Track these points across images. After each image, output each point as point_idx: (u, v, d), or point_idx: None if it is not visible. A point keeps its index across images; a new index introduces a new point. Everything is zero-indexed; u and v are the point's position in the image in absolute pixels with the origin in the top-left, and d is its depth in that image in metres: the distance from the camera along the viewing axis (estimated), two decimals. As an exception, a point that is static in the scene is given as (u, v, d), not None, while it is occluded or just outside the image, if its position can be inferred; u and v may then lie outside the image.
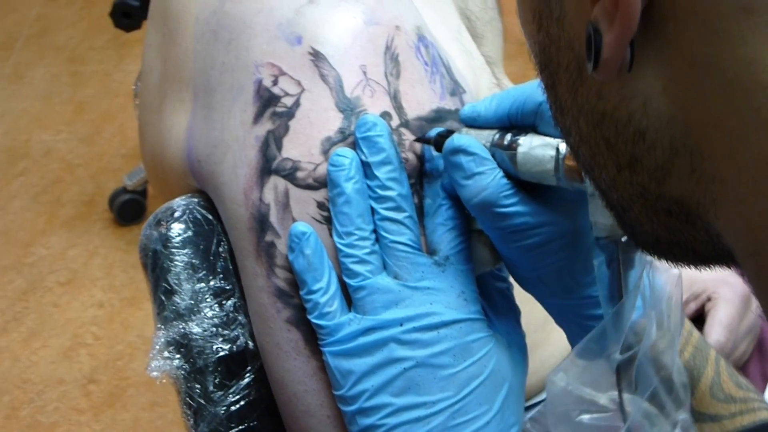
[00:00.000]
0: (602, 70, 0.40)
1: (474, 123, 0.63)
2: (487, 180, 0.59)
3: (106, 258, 2.32)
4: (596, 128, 0.44)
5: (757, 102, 0.36)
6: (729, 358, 0.93)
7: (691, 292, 0.97)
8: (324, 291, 0.61)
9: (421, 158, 0.64)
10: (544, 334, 0.83)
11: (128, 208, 2.38)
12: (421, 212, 0.64)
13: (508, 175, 0.59)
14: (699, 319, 0.97)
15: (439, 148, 0.62)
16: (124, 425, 1.98)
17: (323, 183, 0.62)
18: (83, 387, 2.06)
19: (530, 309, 0.68)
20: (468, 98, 0.68)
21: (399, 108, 0.63)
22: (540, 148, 0.57)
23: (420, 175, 0.64)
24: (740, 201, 0.39)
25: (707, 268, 0.47)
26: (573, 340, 0.66)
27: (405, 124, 0.63)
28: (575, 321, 0.64)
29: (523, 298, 0.67)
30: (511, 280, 0.67)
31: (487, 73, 0.77)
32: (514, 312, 0.67)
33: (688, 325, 0.70)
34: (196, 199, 0.70)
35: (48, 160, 2.64)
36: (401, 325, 0.60)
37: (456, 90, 0.67)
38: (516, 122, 0.60)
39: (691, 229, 0.43)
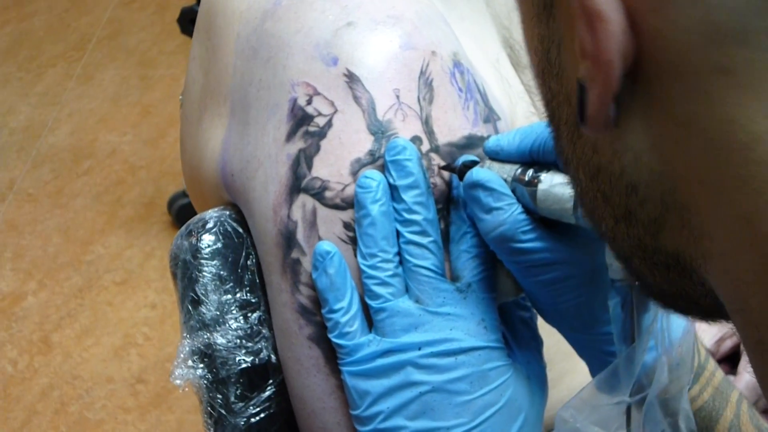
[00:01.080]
0: (589, 125, 0.41)
1: (497, 156, 0.63)
2: (504, 215, 0.59)
3: (162, 260, 2.35)
4: (593, 181, 0.45)
5: (736, 161, 0.36)
6: (760, 399, 0.91)
7: (729, 328, 0.96)
8: (345, 311, 0.62)
9: (449, 184, 0.64)
10: (572, 363, 0.83)
11: (186, 212, 2.41)
12: (446, 238, 0.64)
13: (527, 210, 0.60)
14: (735, 356, 0.95)
15: (462, 178, 0.62)
16: (169, 427, 2.01)
17: (350, 204, 0.63)
18: (131, 386, 2.09)
19: (559, 338, 0.68)
20: (502, 125, 0.68)
21: (430, 133, 0.64)
22: (560, 186, 0.57)
23: (447, 201, 0.64)
24: (726, 257, 0.39)
25: (715, 322, 0.47)
26: (594, 372, 0.66)
27: (435, 149, 0.64)
28: (595, 355, 0.64)
29: (550, 326, 0.67)
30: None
31: (525, 102, 0.77)
32: (536, 342, 0.67)
33: (712, 365, 0.70)
34: (228, 212, 0.71)
35: (112, 160, 2.69)
36: (419, 349, 0.60)
37: (490, 117, 0.67)
38: (538, 158, 0.60)
39: (690, 282, 0.43)
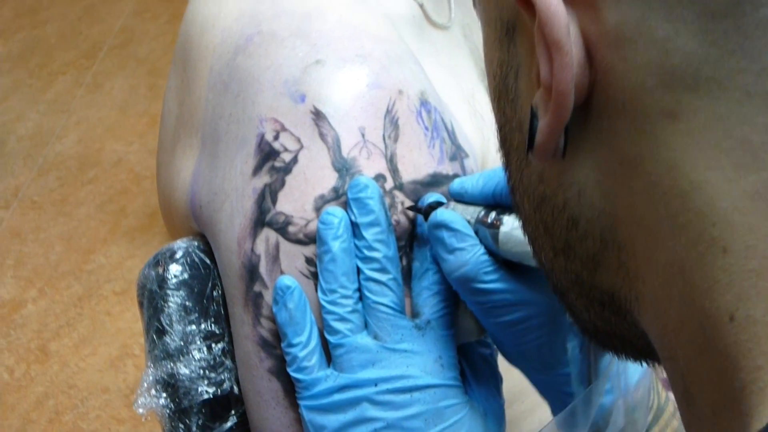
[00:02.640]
0: (537, 153, 0.41)
1: (461, 198, 0.64)
2: (467, 256, 0.60)
3: (162, 271, 2.36)
4: (536, 211, 0.45)
5: (674, 207, 0.36)
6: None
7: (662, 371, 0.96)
8: (303, 345, 0.62)
9: (413, 222, 0.65)
10: (537, 400, 0.84)
11: (188, 224, 2.42)
12: (408, 274, 0.64)
13: (490, 252, 0.60)
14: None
15: (427, 218, 0.63)
16: (162, 439, 2.02)
17: (313, 239, 0.63)
18: (126, 397, 2.09)
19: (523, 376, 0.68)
20: (470, 162, 0.69)
21: (394, 171, 0.64)
22: (521, 229, 0.58)
23: (411, 238, 0.65)
24: (656, 303, 0.39)
25: (649, 364, 0.48)
26: (555, 411, 0.66)
27: (399, 186, 0.64)
28: (556, 395, 0.64)
29: (504, 368, 0.67)
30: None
31: None
32: (495, 379, 0.67)
33: (671, 408, 0.70)
34: (196, 243, 0.72)
35: (117, 170, 2.69)
36: (376, 385, 0.61)
37: (457, 154, 0.68)
38: (500, 201, 0.61)
39: (624, 322, 0.43)
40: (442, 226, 0.61)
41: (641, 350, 0.45)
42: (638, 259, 0.40)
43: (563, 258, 0.44)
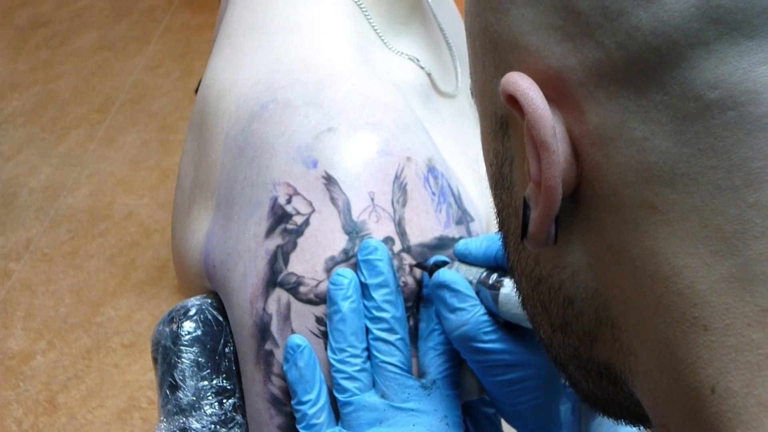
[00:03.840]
0: (530, 241, 0.43)
1: (465, 259, 0.65)
2: (467, 316, 0.62)
3: (170, 324, 2.37)
4: (534, 290, 0.47)
5: (658, 290, 0.39)
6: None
7: None
8: (313, 403, 0.63)
9: (420, 283, 0.67)
10: None
11: (196, 278, 2.43)
12: (415, 335, 0.66)
13: (490, 312, 0.62)
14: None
15: (431, 276, 0.65)
16: (167, 492, 2.01)
17: (323, 299, 0.64)
18: (133, 450, 2.10)
19: None
20: (476, 226, 0.71)
21: (402, 234, 0.66)
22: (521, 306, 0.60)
23: (417, 299, 0.66)
24: (648, 376, 0.41)
25: (646, 429, 0.49)
26: None
27: (407, 249, 0.66)
28: None
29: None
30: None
31: None
32: None
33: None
34: (209, 300, 0.73)
35: (128, 223, 2.71)
36: None
37: (463, 218, 0.70)
38: (502, 264, 0.62)
39: (620, 392, 0.45)
40: (444, 286, 0.63)
41: (638, 416, 0.47)
42: (630, 336, 0.42)
43: (561, 334, 0.47)
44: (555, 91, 0.41)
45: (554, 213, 0.42)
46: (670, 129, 0.38)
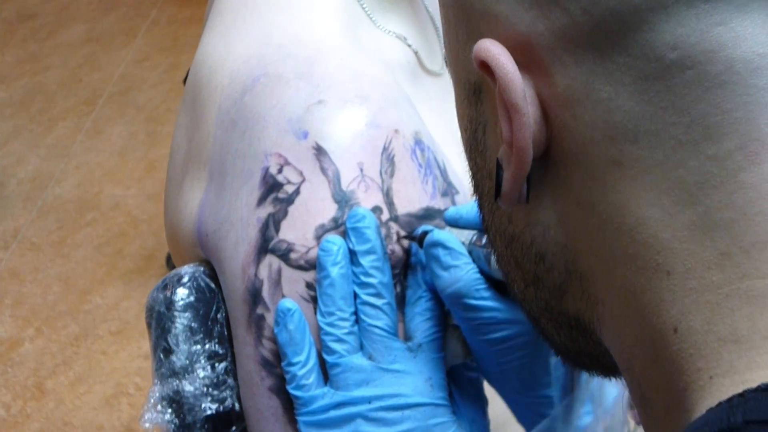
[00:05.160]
0: (503, 200, 0.45)
1: (456, 224, 0.67)
2: (460, 273, 0.63)
3: (158, 312, 2.37)
4: (508, 247, 0.49)
5: (624, 240, 0.41)
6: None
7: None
8: (302, 364, 0.65)
9: (407, 251, 0.68)
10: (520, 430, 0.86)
11: (183, 267, 2.44)
12: (402, 301, 0.67)
13: (482, 272, 0.63)
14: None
15: (422, 244, 0.66)
16: (155, 476, 2.02)
17: (313, 265, 0.66)
18: (120, 435, 2.11)
19: (491, 408, 0.70)
20: (460, 198, 0.72)
21: (390, 204, 0.67)
22: (497, 264, 0.61)
23: (405, 267, 0.68)
24: (615, 322, 0.44)
25: (614, 378, 0.51)
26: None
27: (394, 218, 0.67)
28: (532, 418, 0.66)
29: (491, 395, 0.70)
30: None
31: None
32: (481, 401, 0.69)
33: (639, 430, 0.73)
34: (202, 268, 0.74)
35: (115, 213, 2.72)
36: (369, 402, 0.63)
37: (448, 191, 0.71)
38: None
39: (590, 342, 0.47)
40: (438, 244, 0.64)
41: (607, 366, 0.49)
42: (597, 286, 0.44)
43: (533, 288, 0.48)
44: (524, 57, 0.43)
45: (526, 172, 0.44)
46: (633, 89, 0.40)
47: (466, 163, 0.51)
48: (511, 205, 0.46)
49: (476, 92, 0.47)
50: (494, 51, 0.43)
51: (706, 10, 0.38)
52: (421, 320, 0.67)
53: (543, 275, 0.47)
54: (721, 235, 0.39)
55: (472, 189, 0.52)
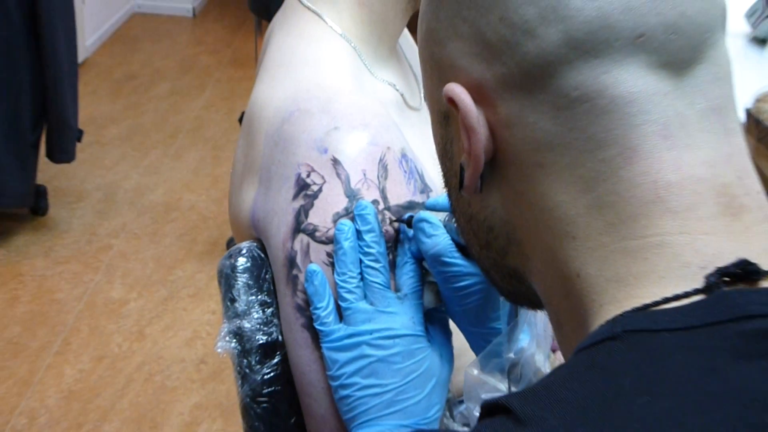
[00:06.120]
0: (465, 191, 0.46)
1: (434, 208, 0.67)
2: (438, 240, 0.63)
3: (222, 281, 2.36)
4: (468, 223, 0.49)
5: (545, 217, 0.42)
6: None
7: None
8: (324, 308, 0.65)
9: (397, 231, 0.68)
10: (466, 359, 0.86)
11: (239, 249, 2.42)
12: (393, 265, 0.67)
13: (453, 240, 0.63)
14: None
15: (409, 225, 0.66)
16: (220, 393, 2.02)
17: (331, 240, 0.66)
18: (196, 365, 2.10)
19: (454, 339, 0.70)
20: (433, 195, 0.72)
21: (385, 198, 0.68)
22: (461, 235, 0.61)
23: (395, 242, 0.68)
24: (540, 273, 0.44)
25: (543, 312, 0.52)
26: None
27: (388, 208, 0.68)
28: (483, 345, 0.67)
29: (454, 330, 0.70)
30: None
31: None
32: (447, 334, 0.70)
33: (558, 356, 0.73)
34: (255, 244, 0.74)
35: (191, 213, 2.71)
36: (371, 334, 0.63)
37: (425, 189, 0.71)
38: None
39: (524, 286, 0.48)
40: (423, 219, 0.64)
41: (536, 303, 0.49)
42: (528, 249, 0.45)
43: (485, 251, 0.49)
44: (478, 94, 0.43)
45: (479, 172, 0.44)
46: (550, 116, 0.41)
47: (439, 168, 0.52)
48: (470, 194, 0.47)
49: (446, 118, 0.48)
50: (457, 91, 0.44)
51: (596, 64, 0.39)
52: (406, 278, 0.67)
53: (492, 241, 0.48)
54: (608, 211, 0.40)
55: (443, 184, 0.52)
